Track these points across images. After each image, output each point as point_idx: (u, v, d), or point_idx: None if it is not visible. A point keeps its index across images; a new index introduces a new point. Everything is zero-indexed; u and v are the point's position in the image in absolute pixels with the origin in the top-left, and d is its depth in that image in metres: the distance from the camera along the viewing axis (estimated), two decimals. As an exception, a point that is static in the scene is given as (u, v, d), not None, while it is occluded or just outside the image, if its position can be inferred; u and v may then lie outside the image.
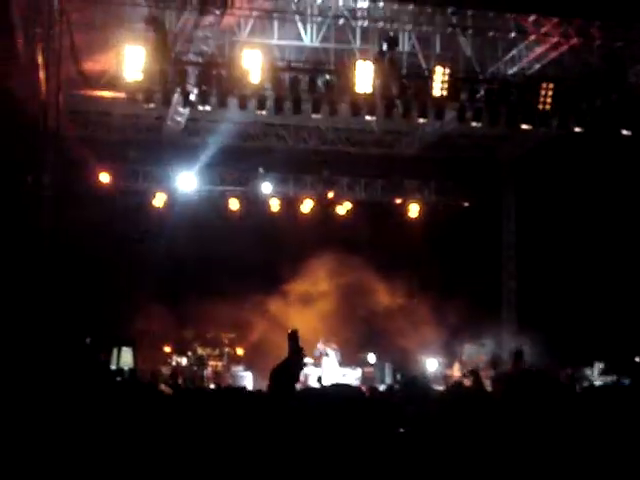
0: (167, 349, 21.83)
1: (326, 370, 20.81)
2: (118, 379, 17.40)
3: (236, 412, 4.98)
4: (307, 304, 22.67)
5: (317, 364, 20.92)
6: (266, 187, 24.01)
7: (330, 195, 24.50)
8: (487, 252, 23.78)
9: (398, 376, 20.84)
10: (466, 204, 25.11)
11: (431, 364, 21.94)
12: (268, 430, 4.66)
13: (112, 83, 18.12)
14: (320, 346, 21.26)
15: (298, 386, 15.89)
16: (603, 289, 20.85)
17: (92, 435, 5.08)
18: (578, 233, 21.35)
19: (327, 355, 21.33)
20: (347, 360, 21.84)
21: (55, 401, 5.95)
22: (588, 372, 19.57)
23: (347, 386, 5.77)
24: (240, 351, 22.28)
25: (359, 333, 22.71)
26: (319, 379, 18.87)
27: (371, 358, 22.34)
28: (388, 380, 21.02)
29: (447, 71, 17.60)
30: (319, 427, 4.65)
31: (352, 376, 21.27)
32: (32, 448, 5.06)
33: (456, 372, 21.49)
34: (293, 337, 5.96)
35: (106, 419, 5.24)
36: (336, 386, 6.62)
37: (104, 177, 22.70)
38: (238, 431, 4.72)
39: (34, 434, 5.19)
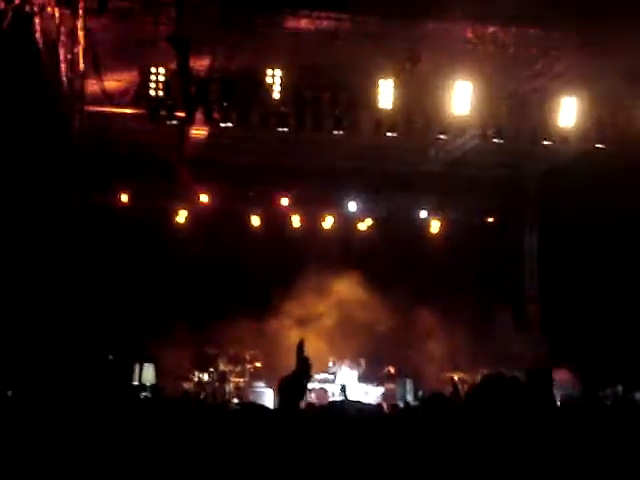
0: (188, 365, 21.82)
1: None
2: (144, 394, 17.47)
3: (252, 429, 4.99)
4: (328, 320, 22.62)
5: (332, 380, 21.01)
6: (286, 203, 24.06)
7: (351, 211, 24.51)
8: (509, 268, 23.68)
9: (420, 393, 20.76)
10: (489, 220, 25.04)
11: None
12: (276, 447, 4.67)
13: (135, 100, 18.28)
14: (331, 364, 21.35)
15: (316, 402, 15.88)
16: (629, 308, 20.61)
17: (114, 450, 5.09)
18: (604, 250, 21.15)
19: (350, 369, 21.37)
20: (369, 377, 21.81)
21: (79, 417, 5.98)
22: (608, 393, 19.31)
23: (361, 403, 5.75)
24: (261, 367, 22.24)
25: (380, 349, 22.66)
26: (343, 388, 18.90)
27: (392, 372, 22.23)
28: (409, 397, 20.94)
29: (467, 87, 17.64)
30: (327, 446, 4.65)
31: (374, 393, 21.20)
32: (53, 463, 5.08)
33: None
34: (299, 348, 5.95)
35: (132, 435, 5.25)
36: (350, 403, 6.59)
37: (125, 193, 22.83)
38: (252, 448, 4.72)
39: (56, 449, 5.21)
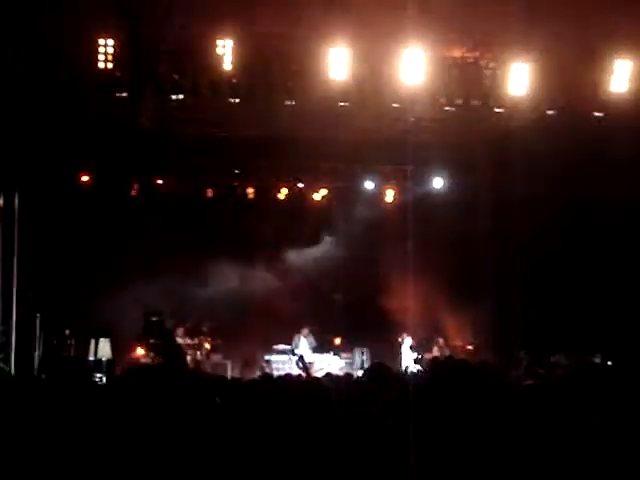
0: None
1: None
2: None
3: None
4: (284, 292, 22.67)
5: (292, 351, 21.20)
6: (240, 176, 24.02)
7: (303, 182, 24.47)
8: (463, 234, 23.83)
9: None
10: (442, 188, 25.17)
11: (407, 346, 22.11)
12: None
13: (86, 74, 18.00)
14: (296, 336, 21.52)
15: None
16: (584, 274, 20.80)
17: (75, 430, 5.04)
18: (551, 216, 21.32)
19: (307, 341, 21.53)
20: (328, 347, 21.99)
21: (37, 395, 5.92)
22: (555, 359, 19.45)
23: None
24: (219, 340, 22.25)
25: (338, 319, 22.80)
26: (300, 359, 19.04)
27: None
28: (366, 366, 21.15)
29: (418, 54, 17.64)
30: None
31: (337, 365, 21.35)
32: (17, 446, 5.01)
33: (435, 354, 21.66)
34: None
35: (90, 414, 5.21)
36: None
37: (81, 169, 22.58)
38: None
39: (17, 433, 5.14)
